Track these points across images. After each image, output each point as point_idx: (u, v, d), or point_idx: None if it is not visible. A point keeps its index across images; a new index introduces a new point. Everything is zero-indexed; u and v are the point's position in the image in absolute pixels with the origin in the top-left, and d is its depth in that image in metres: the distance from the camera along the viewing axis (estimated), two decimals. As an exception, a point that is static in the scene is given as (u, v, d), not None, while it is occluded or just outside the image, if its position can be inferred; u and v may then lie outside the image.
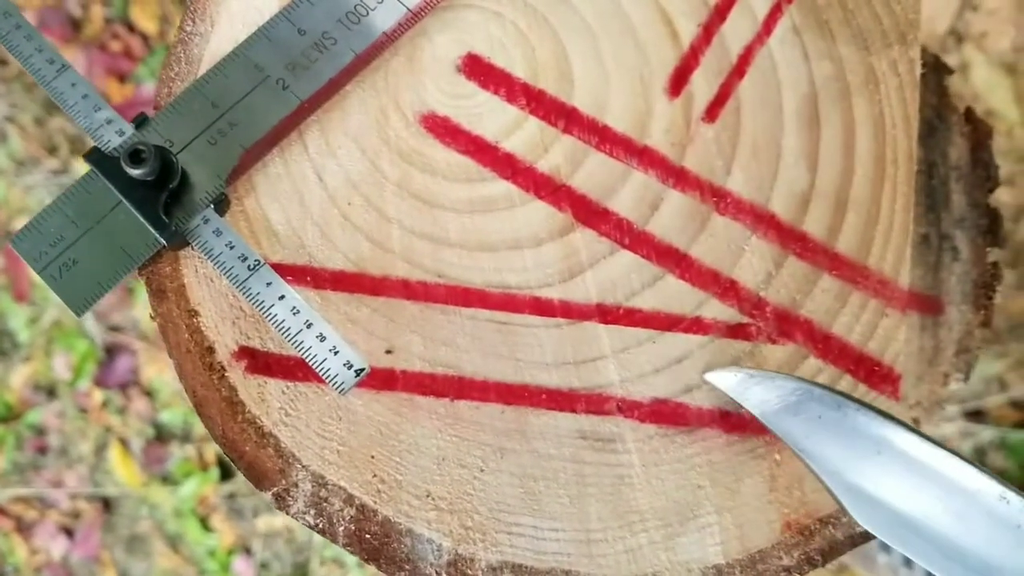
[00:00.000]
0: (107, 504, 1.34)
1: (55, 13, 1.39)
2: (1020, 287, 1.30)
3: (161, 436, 1.33)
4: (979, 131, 0.59)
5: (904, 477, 0.41)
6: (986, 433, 1.28)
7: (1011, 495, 0.41)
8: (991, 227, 0.58)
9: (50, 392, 1.35)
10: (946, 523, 0.41)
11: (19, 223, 1.34)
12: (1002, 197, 1.28)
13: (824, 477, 0.42)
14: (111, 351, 1.33)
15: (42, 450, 1.34)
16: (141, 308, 1.30)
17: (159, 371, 1.30)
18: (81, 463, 1.34)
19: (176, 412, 1.30)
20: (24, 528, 1.33)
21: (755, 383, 0.44)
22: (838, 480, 0.42)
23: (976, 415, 1.30)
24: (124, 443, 1.32)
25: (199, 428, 1.30)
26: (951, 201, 0.58)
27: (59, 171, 1.35)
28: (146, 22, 1.37)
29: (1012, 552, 0.40)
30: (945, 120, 0.59)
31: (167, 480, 1.32)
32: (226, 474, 1.29)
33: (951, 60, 1.29)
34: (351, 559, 1.30)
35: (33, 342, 1.35)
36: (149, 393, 1.33)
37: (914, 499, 0.41)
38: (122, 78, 1.36)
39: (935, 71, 0.59)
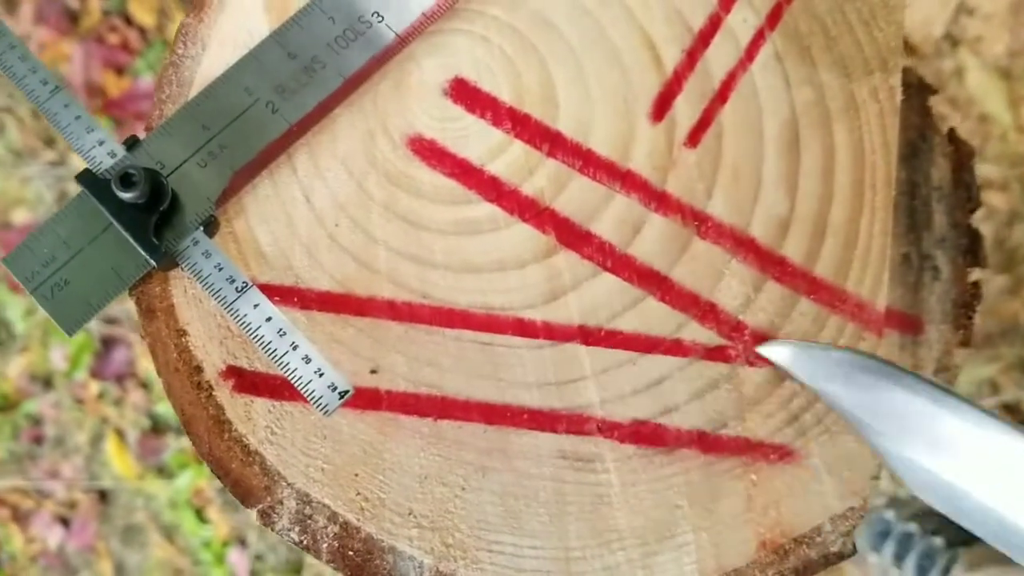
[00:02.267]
0: (103, 495, 1.35)
1: (53, 5, 1.39)
2: (1012, 292, 1.31)
3: (157, 428, 1.34)
4: (961, 152, 0.59)
5: (958, 447, 0.41)
6: (977, 435, 1.28)
7: None
8: (972, 247, 0.59)
9: (46, 383, 1.36)
10: (1002, 493, 0.40)
11: (16, 214, 1.35)
12: (995, 202, 1.29)
13: (878, 449, 0.42)
14: (107, 343, 1.34)
15: (38, 440, 1.35)
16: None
17: (155, 364, 1.31)
18: (77, 454, 1.35)
19: (171, 405, 1.31)
20: (21, 517, 1.34)
21: (808, 354, 0.45)
22: (891, 451, 0.42)
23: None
24: (120, 434, 1.33)
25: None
26: (932, 221, 0.59)
27: (56, 163, 1.35)
28: (144, 15, 1.37)
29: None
30: (928, 141, 0.59)
31: (163, 471, 1.33)
32: (220, 468, 1.30)
33: (946, 64, 1.30)
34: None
35: (30, 333, 1.36)
36: (145, 385, 1.34)
37: (970, 471, 0.41)
38: (120, 71, 1.37)
39: (919, 91, 0.60)
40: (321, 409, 0.43)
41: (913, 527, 1.23)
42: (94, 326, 1.33)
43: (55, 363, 1.35)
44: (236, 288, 0.44)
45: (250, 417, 0.46)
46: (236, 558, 1.30)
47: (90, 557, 1.33)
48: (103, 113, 1.34)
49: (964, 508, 0.41)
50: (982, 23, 1.31)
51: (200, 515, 1.32)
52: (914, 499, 1.27)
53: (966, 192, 0.60)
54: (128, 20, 1.38)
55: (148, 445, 1.33)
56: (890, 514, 1.26)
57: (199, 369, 0.46)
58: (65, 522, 1.34)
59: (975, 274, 0.59)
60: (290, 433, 0.46)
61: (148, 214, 0.44)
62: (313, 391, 0.43)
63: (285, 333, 0.44)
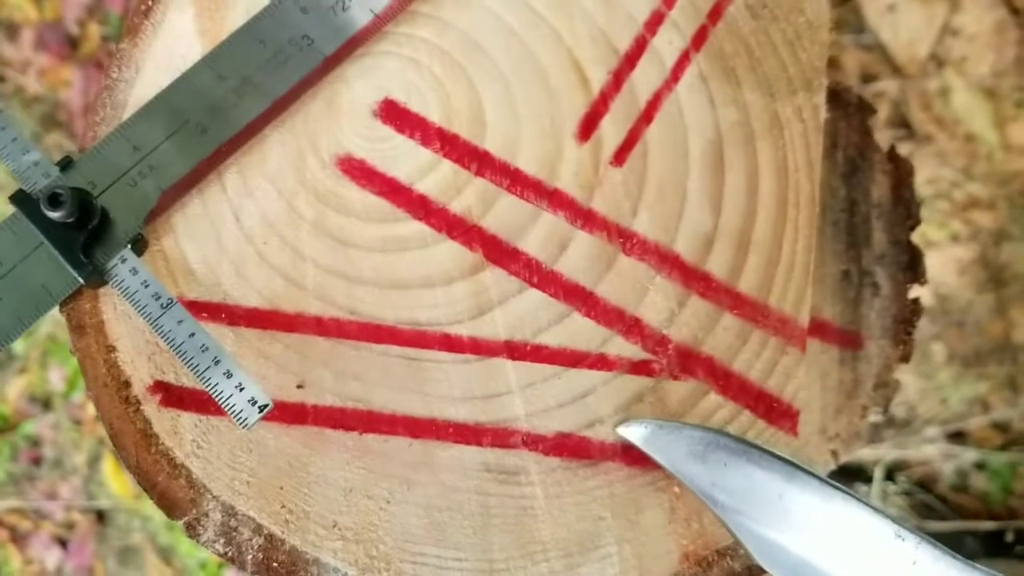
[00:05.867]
0: (100, 515, 1.36)
1: (53, 31, 1.41)
2: (999, 310, 1.31)
3: (152, 448, 1.34)
4: (901, 170, 0.60)
5: (805, 521, 0.43)
6: (968, 455, 1.29)
7: (906, 533, 0.42)
8: (911, 263, 0.60)
9: (45, 404, 1.37)
10: (847, 564, 0.43)
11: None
12: (982, 221, 1.29)
13: (729, 524, 0.44)
14: (103, 364, 1.35)
15: (36, 461, 1.36)
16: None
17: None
18: (75, 475, 1.36)
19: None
20: (19, 538, 1.35)
21: (664, 434, 0.46)
22: (743, 526, 0.43)
23: (958, 437, 1.30)
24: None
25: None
26: (872, 238, 0.60)
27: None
28: (140, 41, 1.38)
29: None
30: (868, 159, 0.60)
31: (157, 492, 1.33)
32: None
33: (931, 84, 1.30)
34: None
35: (28, 354, 1.38)
36: (140, 406, 1.34)
37: (815, 542, 0.43)
38: (116, 96, 1.38)
39: (859, 110, 0.61)
40: (241, 423, 0.44)
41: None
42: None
43: (53, 384, 1.36)
44: (161, 304, 0.45)
45: (177, 431, 0.47)
46: (230, 579, 1.30)
47: (86, 577, 1.34)
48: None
49: None
50: (967, 43, 1.31)
51: (194, 535, 1.32)
52: (906, 518, 1.27)
53: (905, 209, 0.60)
54: (124, 46, 1.39)
55: (142, 465, 1.33)
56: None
57: (127, 384, 0.47)
58: (63, 543, 1.35)
59: (915, 290, 0.60)
60: (216, 447, 0.47)
61: (77, 232, 0.45)
62: (233, 405, 0.44)
63: (207, 348, 0.45)
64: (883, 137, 1.28)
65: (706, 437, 0.45)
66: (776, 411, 0.50)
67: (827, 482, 0.44)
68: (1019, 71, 1.30)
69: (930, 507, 1.27)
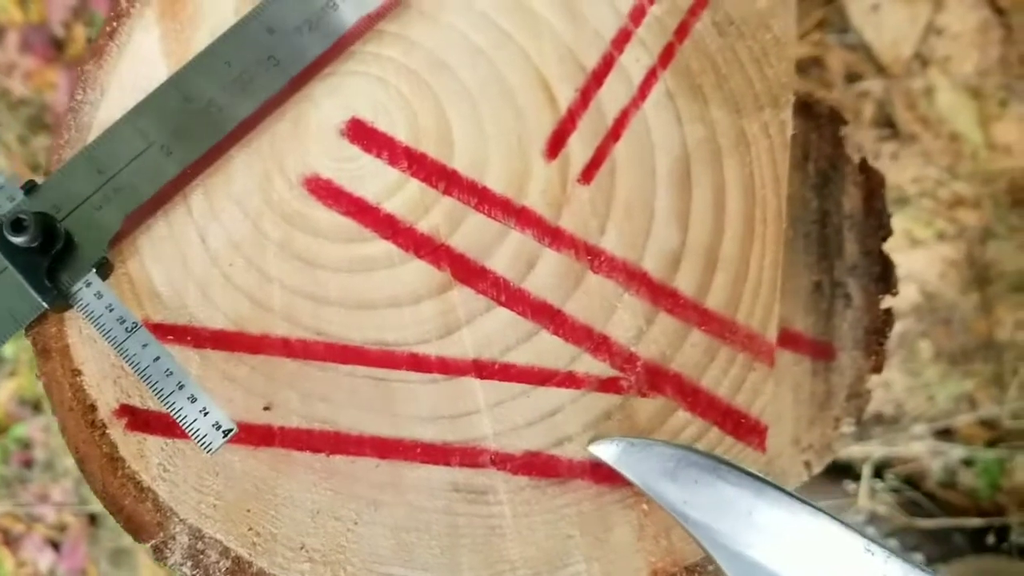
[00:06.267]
0: (92, 518, 1.36)
1: (38, 33, 1.41)
2: (985, 309, 1.31)
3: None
4: (872, 180, 0.60)
5: (775, 536, 0.44)
6: (956, 452, 1.29)
7: (875, 547, 0.43)
8: (883, 274, 0.60)
9: (35, 407, 1.37)
10: None
11: None
12: (967, 220, 1.29)
13: (701, 541, 0.44)
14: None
15: (28, 464, 1.36)
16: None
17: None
18: (67, 477, 1.36)
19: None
20: (11, 541, 1.35)
21: (635, 451, 0.46)
22: (714, 543, 0.44)
23: (945, 434, 1.30)
24: (105, 458, 1.34)
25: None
26: (844, 249, 0.60)
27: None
28: (126, 44, 1.38)
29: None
30: (839, 170, 0.60)
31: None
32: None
33: (916, 84, 1.30)
34: None
35: (18, 357, 1.38)
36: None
37: (786, 557, 0.43)
38: (101, 99, 1.38)
39: (831, 121, 0.61)
40: (205, 447, 0.44)
41: (893, 543, 1.23)
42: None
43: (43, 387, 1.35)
44: (126, 328, 0.45)
45: (143, 454, 0.47)
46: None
47: (79, 580, 1.34)
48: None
49: None
50: (951, 42, 1.31)
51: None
52: (893, 515, 1.27)
53: (877, 220, 0.60)
54: (109, 48, 1.39)
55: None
56: (870, 531, 1.26)
57: (93, 408, 0.47)
58: (55, 545, 1.35)
59: (887, 301, 0.60)
60: (183, 470, 0.47)
61: (42, 257, 0.45)
62: (197, 430, 0.44)
63: (172, 373, 0.45)
64: (868, 137, 1.29)
65: (676, 454, 0.45)
66: (744, 427, 0.50)
67: (797, 498, 0.44)
68: (1003, 70, 1.30)
69: (918, 504, 1.27)
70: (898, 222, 1.24)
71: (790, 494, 0.44)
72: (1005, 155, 1.30)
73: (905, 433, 1.32)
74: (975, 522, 1.25)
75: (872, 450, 1.31)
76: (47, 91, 1.40)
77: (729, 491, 0.44)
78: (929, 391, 1.33)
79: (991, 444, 1.30)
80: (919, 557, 1.23)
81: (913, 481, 1.31)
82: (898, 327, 1.21)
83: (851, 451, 1.31)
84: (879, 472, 1.30)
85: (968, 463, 1.30)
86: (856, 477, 1.28)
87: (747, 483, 0.44)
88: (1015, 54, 1.30)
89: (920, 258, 1.31)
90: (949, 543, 1.25)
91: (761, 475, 0.45)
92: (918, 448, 1.32)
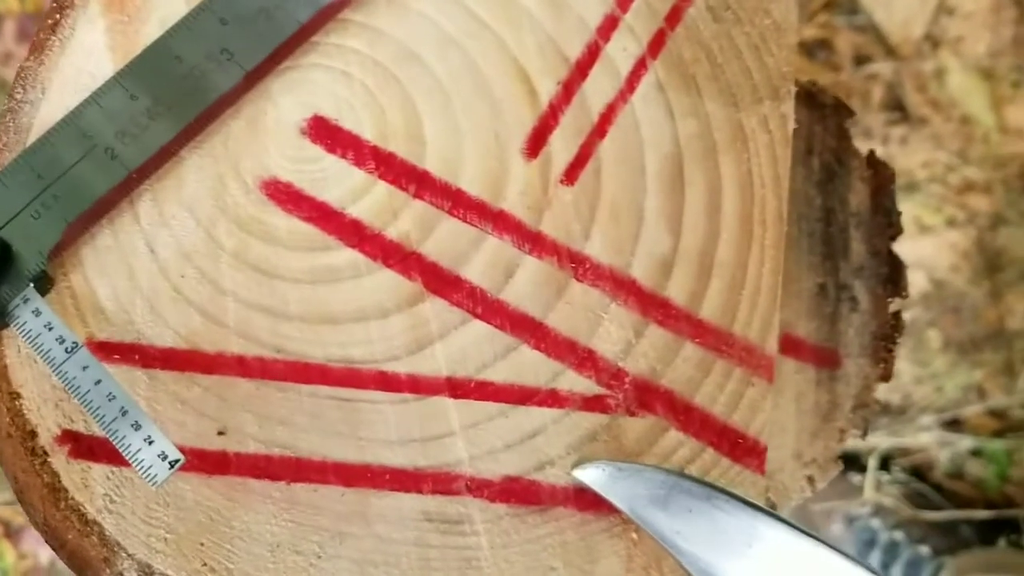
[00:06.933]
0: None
1: (35, 22, 1.39)
2: (995, 296, 1.28)
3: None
4: (880, 175, 0.56)
5: (776, 570, 0.41)
6: (964, 442, 1.27)
7: None
8: (892, 276, 0.56)
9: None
10: None
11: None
12: (979, 205, 1.26)
13: (695, 574, 0.42)
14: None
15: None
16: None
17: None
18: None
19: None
20: (12, 533, 1.34)
21: (624, 477, 0.43)
22: (709, 574, 0.41)
23: (953, 424, 1.28)
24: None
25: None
26: (850, 249, 0.56)
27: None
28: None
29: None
30: (845, 164, 0.57)
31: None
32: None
33: (926, 66, 1.27)
34: None
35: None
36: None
37: None
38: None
39: (836, 111, 0.57)
40: (149, 480, 0.41)
41: (899, 535, 1.22)
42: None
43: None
44: (65, 349, 0.42)
45: (87, 484, 0.43)
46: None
47: (76, 574, 1.32)
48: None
49: None
50: (963, 23, 1.27)
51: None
52: (900, 507, 1.26)
53: (886, 218, 0.57)
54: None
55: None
56: (876, 522, 1.25)
57: (33, 434, 0.44)
58: (55, 538, 1.33)
59: (895, 304, 0.56)
60: (130, 501, 0.43)
61: (-25, 271, 0.42)
62: (141, 460, 0.41)
63: (114, 397, 0.41)
64: (877, 120, 1.25)
65: (668, 480, 0.42)
66: (742, 448, 0.46)
67: (799, 529, 0.41)
68: (1016, 51, 1.26)
69: (925, 496, 1.25)
70: (907, 208, 1.20)
71: (791, 525, 0.41)
72: (1018, 139, 1.26)
73: (912, 424, 1.30)
74: (983, 514, 1.23)
75: (878, 441, 1.29)
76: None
77: (726, 521, 0.42)
78: (937, 381, 1.30)
79: (999, 434, 1.28)
80: (926, 550, 1.21)
81: (920, 472, 1.30)
82: (906, 316, 1.18)
83: (857, 443, 1.29)
84: (885, 463, 1.28)
85: (976, 453, 1.28)
86: (862, 469, 1.26)
87: (745, 513, 0.42)
88: (1029, 34, 1.26)
89: (929, 245, 1.28)
90: (956, 535, 1.24)
91: (760, 504, 0.42)
92: (925, 439, 1.30)
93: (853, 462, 1.27)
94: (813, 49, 1.28)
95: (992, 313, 1.29)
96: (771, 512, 0.42)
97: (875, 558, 1.21)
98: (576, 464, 0.45)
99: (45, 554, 1.32)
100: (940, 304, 1.30)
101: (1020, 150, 1.27)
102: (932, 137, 1.28)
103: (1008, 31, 1.27)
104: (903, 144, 1.29)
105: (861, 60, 1.30)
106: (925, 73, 1.28)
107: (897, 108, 1.29)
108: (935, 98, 1.28)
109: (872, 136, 1.27)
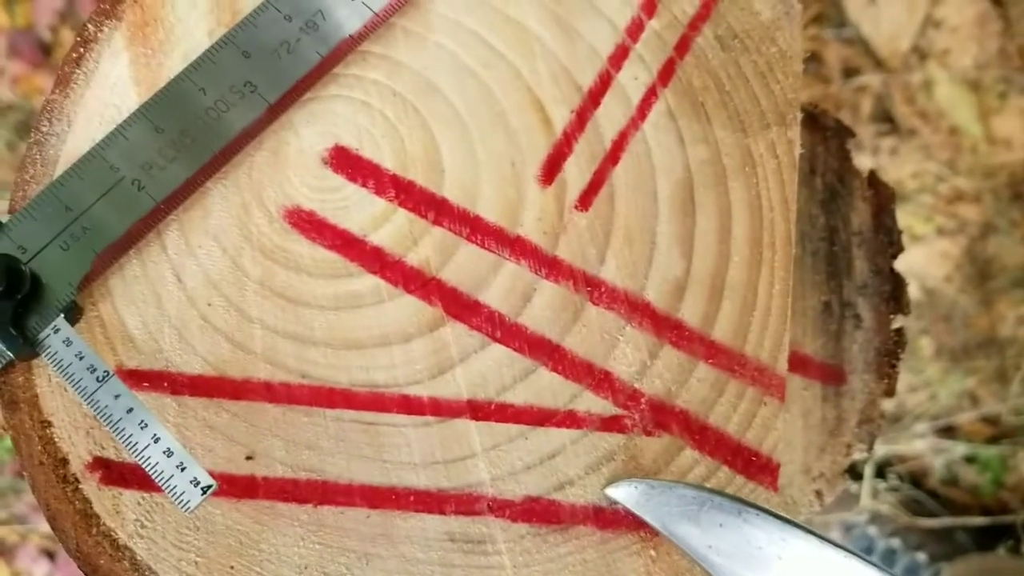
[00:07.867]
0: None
1: (25, 37, 1.39)
2: (986, 304, 1.29)
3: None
4: (881, 195, 0.58)
5: None
6: (958, 449, 1.28)
7: None
8: (894, 293, 0.57)
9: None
10: None
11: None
12: (969, 214, 1.27)
13: None
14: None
15: (21, 475, 1.34)
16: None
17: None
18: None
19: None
20: (6, 551, 1.34)
21: (656, 494, 0.44)
22: None
23: (948, 431, 1.29)
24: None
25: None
26: (853, 268, 0.57)
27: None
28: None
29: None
30: (847, 184, 0.58)
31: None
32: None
33: (914, 77, 1.28)
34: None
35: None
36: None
37: None
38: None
39: (837, 134, 0.58)
40: (182, 506, 0.41)
41: (896, 542, 1.23)
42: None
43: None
44: (97, 378, 0.43)
45: (119, 510, 0.44)
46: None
47: (74, 589, 1.32)
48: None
49: None
50: (949, 35, 1.29)
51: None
52: (897, 515, 1.26)
53: (887, 237, 0.58)
54: (94, 53, 1.37)
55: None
56: (872, 530, 1.26)
57: (65, 462, 0.44)
58: (50, 555, 1.33)
59: (898, 321, 0.58)
60: (161, 526, 0.44)
61: (6, 303, 0.43)
62: (174, 487, 0.42)
63: (147, 425, 0.42)
64: (867, 132, 1.26)
65: (699, 497, 0.43)
66: (755, 465, 0.47)
67: (827, 541, 0.42)
68: (1002, 63, 1.28)
69: (920, 503, 1.26)
70: (898, 218, 1.21)
71: (821, 537, 0.42)
72: (1005, 149, 1.28)
73: (907, 431, 1.31)
74: (979, 520, 1.24)
75: (874, 449, 1.29)
76: (35, 96, 1.38)
77: (756, 535, 0.42)
78: (931, 389, 1.31)
79: (993, 441, 1.29)
80: (923, 556, 1.22)
81: (916, 479, 1.30)
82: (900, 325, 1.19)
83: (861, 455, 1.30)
84: (881, 471, 1.29)
85: (971, 460, 1.29)
86: (858, 477, 1.27)
87: (774, 526, 0.42)
88: (1014, 46, 1.28)
89: (920, 254, 1.30)
90: (952, 541, 1.24)
91: (789, 518, 0.43)
92: (920, 446, 1.31)
93: (849, 470, 1.28)
94: (802, 62, 1.29)
95: (984, 320, 1.30)
96: (801, 524, 0.42)
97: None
98: (608, 482, 0.45)
99: (39, 571, 1.32)
100: (932, 312, 1.31)
101: (1008, 159, 1.28)
102: (921, 148, 1.30)
103: (994, 43, 1.28)
104: (893, 155, 1.30)
105: (850, 72, 1.31)
106: (913, 85, 1.30)
107: (886, 119, 1.30)
108: (923, 109, 1.29)
109: (862, 148, 1.29)
